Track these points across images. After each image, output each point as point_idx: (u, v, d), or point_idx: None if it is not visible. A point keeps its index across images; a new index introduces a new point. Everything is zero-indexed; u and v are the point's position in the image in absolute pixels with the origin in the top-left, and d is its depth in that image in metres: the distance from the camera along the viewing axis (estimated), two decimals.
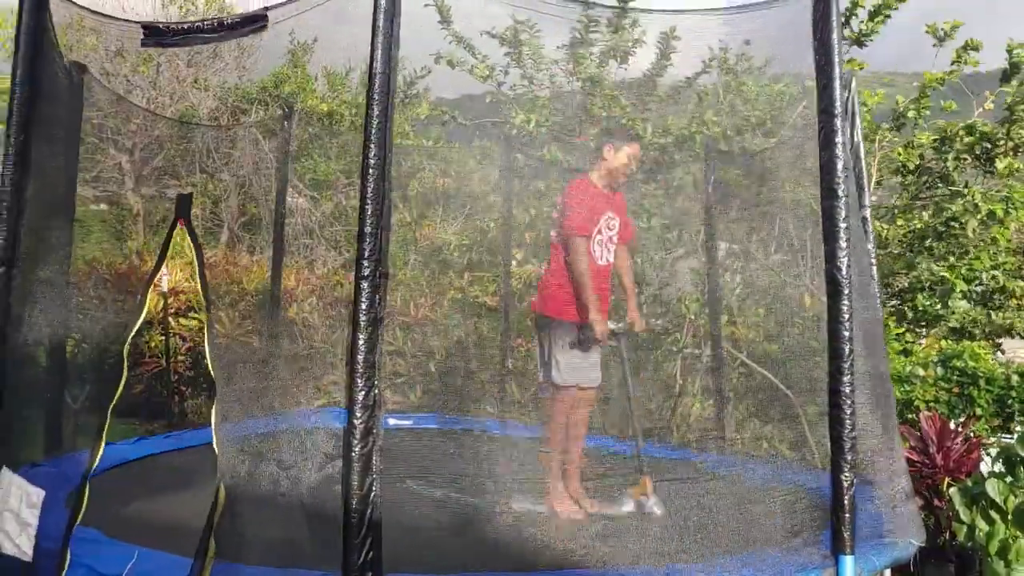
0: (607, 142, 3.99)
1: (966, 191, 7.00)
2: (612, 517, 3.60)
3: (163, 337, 7.55)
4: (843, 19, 7.02)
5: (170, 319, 7.58)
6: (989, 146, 7.04)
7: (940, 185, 7.41)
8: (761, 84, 6.31)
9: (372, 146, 2.39)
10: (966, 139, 7.08)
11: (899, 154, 7.48)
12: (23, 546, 2.84)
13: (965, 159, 7.12)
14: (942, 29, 7.32)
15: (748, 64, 6.27)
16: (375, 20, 2.51)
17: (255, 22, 3.06)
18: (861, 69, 7.36)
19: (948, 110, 7.47)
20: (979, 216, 6.83)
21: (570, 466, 3.71)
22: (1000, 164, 7.02)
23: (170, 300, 7.64)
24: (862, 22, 7.22)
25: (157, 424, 7.62)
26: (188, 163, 10.67)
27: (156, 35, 3.24)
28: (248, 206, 10.92)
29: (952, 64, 7.34)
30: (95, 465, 2.95)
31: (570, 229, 3.77)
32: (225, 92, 12.57)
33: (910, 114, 7.42)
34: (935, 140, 7.30)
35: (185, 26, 3.24)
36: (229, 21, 3.16)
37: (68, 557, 2.88)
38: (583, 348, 3.78)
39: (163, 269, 7.05)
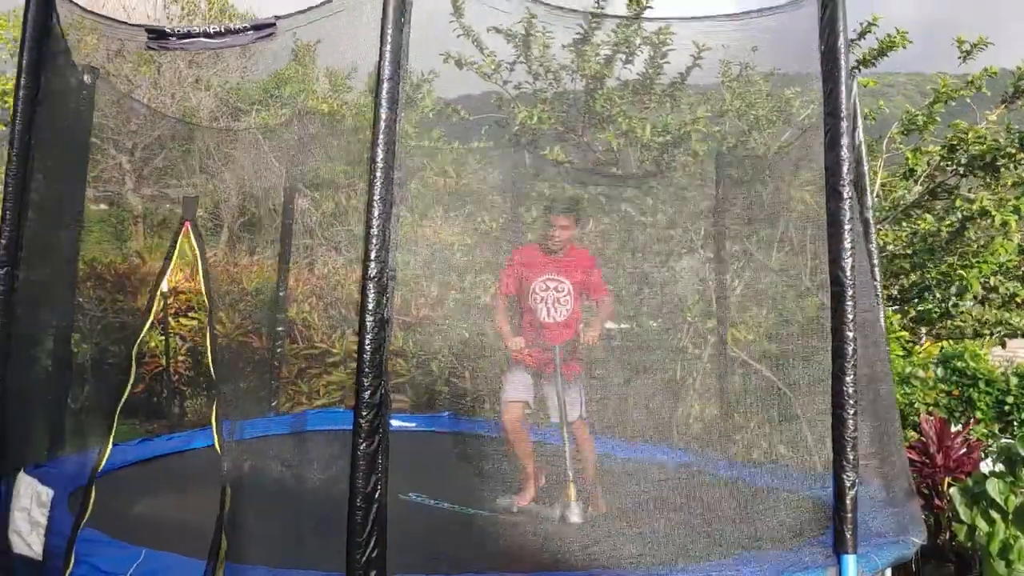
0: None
1: (974, 197, 7.00)
2: (546, 518, 4.04)
3: (163, 337, 7.54)
4: (851, 41, 7.02)
5: (170, 319, 7.57)
6: (996, 157, 7.01)
7: (943, 192, 7.42)
8: (767, 84, 6.31)
9: (379, 150, 2.42)
10: (976, 148, 7.06)
11: (908, 158, 7.49)
12: (34, 545, 2.85)
13: (973, 165, 7.08)
14: (969, 43, 7.31)
15: (755, 70, 6.28)
16: (383, 28, 2.54)
17: (263, 29, 3.04)
18: (863, 68, 7.37)
19: (957, 128, 7.43)
20: (981, 223, 6.84)
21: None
22: (1005, 172, 7.02)
23: (170, 300, 7.63)
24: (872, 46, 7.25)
25: (157, 424, 7.62)
26: (189, 163, 10.66)
27: (160, 38, 3.22)
28: (248, 206, 10.91)
29: (968, 84, 7.35)
30: (102, 466, 2.96)
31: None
32: (226, 92, 12.55)
33: (921, 120, 7.44)
34: (943, 148, 7.30)
35: (190, 30, 3.21)
36: (236, 27, 3.15)
37: (73, 557, 2.89)
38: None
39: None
